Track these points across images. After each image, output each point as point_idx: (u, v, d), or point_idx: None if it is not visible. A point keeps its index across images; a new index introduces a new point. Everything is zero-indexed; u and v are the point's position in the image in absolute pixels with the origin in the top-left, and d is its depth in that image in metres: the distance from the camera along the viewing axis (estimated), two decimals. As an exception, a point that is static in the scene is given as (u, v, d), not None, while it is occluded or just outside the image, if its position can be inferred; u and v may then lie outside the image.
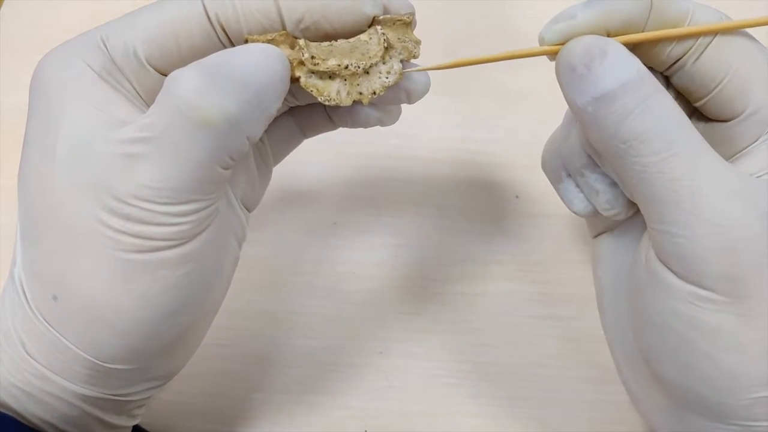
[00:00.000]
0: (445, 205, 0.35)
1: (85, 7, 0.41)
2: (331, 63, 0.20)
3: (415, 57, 0.21)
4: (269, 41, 0.20)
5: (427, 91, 0.22)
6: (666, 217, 0.20)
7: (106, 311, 0.19)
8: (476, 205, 0.35)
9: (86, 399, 0.21)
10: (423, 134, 0.35)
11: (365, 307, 0.32)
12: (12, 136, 0.36)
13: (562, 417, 0.30)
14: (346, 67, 0.20)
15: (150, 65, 0.20)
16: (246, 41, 0.20)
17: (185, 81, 0.18)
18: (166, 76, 0.20)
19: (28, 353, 0.20)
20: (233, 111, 0.18)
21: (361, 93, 0.21)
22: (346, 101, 0.20)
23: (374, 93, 0.21)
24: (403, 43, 0.21)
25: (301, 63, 0.20)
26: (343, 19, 0.20)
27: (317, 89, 0.20)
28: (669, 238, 0.20)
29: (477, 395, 0.30)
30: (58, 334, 0.20)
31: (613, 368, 0.30)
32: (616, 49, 0.20)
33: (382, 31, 0.20)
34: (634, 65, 0.20)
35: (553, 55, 0.21)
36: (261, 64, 0.19)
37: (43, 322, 0.20)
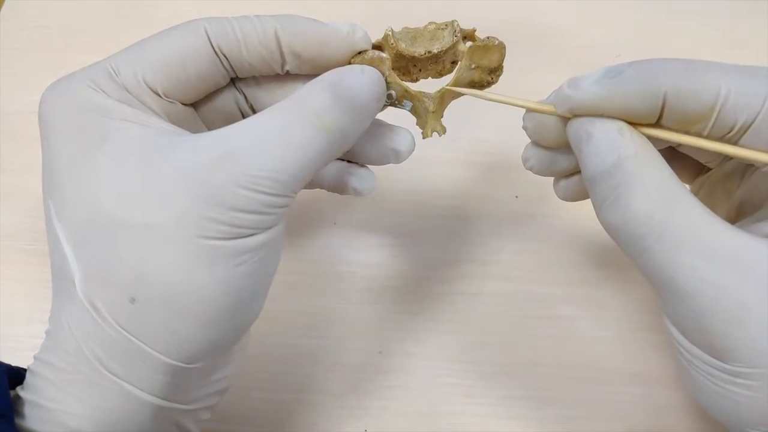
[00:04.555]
0: (444, 205, 0.35)
1: (85, 8, 0.41)
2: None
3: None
4: (372, 63, 0.23)
5: (411, 151, 0.25)
6: (655, 290, 0.21)
7: (190, 300, 0.19)
8: (476, 205, 0.35)
9: (161, 413, 0.21)
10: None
11: (365, 306, 0.32)
12: (12, 136, 0.36)
13: (561, 416, 0.30)
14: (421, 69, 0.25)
15: (162, 93, 0.22)
16: (350, 62, 0.23)
17: (318, 96, 0.21)
18: (176, 102, 0.22)
19: (105, 368, 0.20)
20: (345, 124, 0.21)
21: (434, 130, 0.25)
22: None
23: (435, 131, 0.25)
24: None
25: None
26: (336, 56, 0.23)
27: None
28: (663, 306, 0.21)
29: (476, 394, 0.30)
30: (137, 340, 0.19)
31: (610, 367, 0.31)
32: (601, 133, 0.20)
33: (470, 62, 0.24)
34: (615, 151, 0.20)
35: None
36: (367, 86, 0.22)
37: (120, 330, 0.19)
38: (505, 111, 0.36)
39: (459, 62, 0.24)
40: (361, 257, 0.33)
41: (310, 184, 0.27)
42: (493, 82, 0.25)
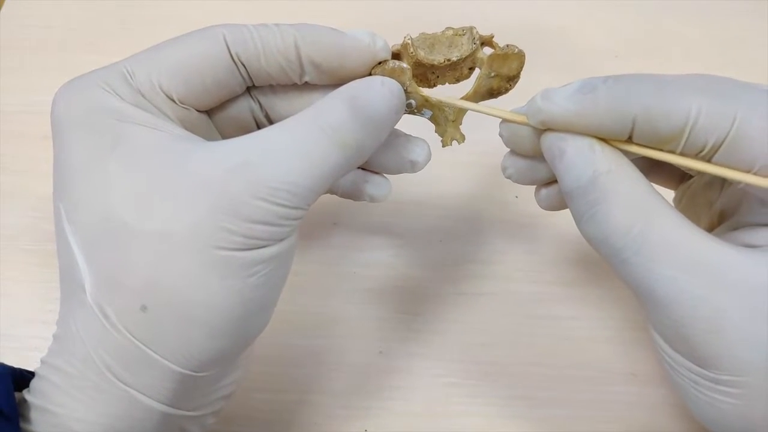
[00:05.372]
0: (445, 205, 0.35)
1: (86, 8, 0.41)
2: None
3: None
4: (392, 74, 0.23)
5: (428, 160, 0.25)
6: (638, 300, 0.21)
7: (201, 310, 0.19)
8: (476, 205, 0.35)
9: (167, 419, 0.21)
10: (422, 135, 0.35)
11: (366, 306, 0.32)
12: (12, 136, 0.36)
13: (561, 416, 0.30)
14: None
15: (177, 99, 0.22)
16: (370, 73, 0.23)
17: (337, 111, 0.21)
18: (190, 108, 0.22)
19: (114, 375, 0.20)
20: (363, 139, 0.21)
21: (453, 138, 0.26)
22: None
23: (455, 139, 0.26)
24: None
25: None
26: (357, 67, 0.22)
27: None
28: (647, 315, 0.22)
29: (477, 395, 0.30)
30: (146, 348, 0.19)
31: (610, 367, 0.31)
32: (573, 149, 0.20)
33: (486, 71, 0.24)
34: (590, 168, 0.20)
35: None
36: (384, 99, 0.21)
37: (130, 337, 0.19)
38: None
39: (478, 70, 0.24)
40: (362, 257, 0.33)
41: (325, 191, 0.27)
42: (510, 89, 0.25)
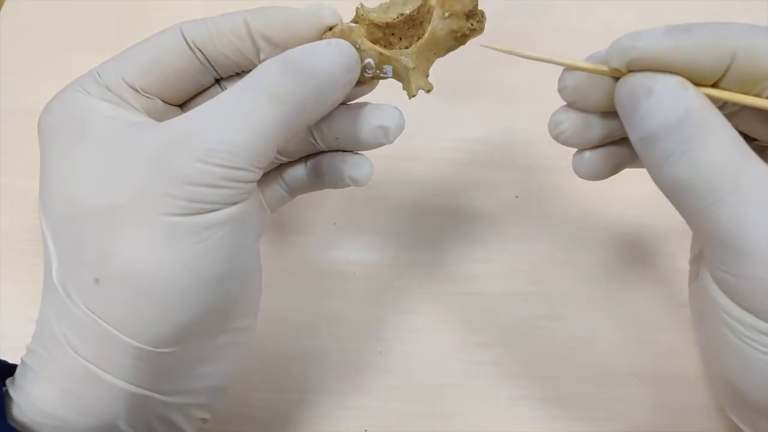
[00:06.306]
0: (444, 205, 0.35)
1: (85, 8, 0.41)
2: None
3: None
4: (342, 34, 0.23)
5: (401, 130, 0.25)
6: (715, 253, 0.20)
7: (151, 280, 0.19)
8: (475, 205, 0.35)
9: (136, 401, 0.21)
10: (421, 134, 0.35)
11: (365, 306, 0.32)
12: (12, 136, 0.37)
13: (561, 416, 0.30)
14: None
15: (139, 89, 0.23)
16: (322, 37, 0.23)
17: (267, 69, 0.21)
18: (155, 98, 0.23)
19: (74, 350, 0.20)
20: (299, 93, 0.21)
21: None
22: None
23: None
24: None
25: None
26: (307, 35, 0.23)
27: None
28: (719, 272, 0.20)
29: (476, 395, 0.30)
30: (102, 321, 0.20)
31: (611, 368, 0.31)
32: (663, 87, 0.20)
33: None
34: (681, 105, 0.19)
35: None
36: (329, 56, 0.21)
37: (87, 311, 0.20)
38: (505, 111, 0.36)
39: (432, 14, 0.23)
40: (361, 257, 0.33)
41: (313, 186, 0.27)
42: (476, 29, 0.23)
